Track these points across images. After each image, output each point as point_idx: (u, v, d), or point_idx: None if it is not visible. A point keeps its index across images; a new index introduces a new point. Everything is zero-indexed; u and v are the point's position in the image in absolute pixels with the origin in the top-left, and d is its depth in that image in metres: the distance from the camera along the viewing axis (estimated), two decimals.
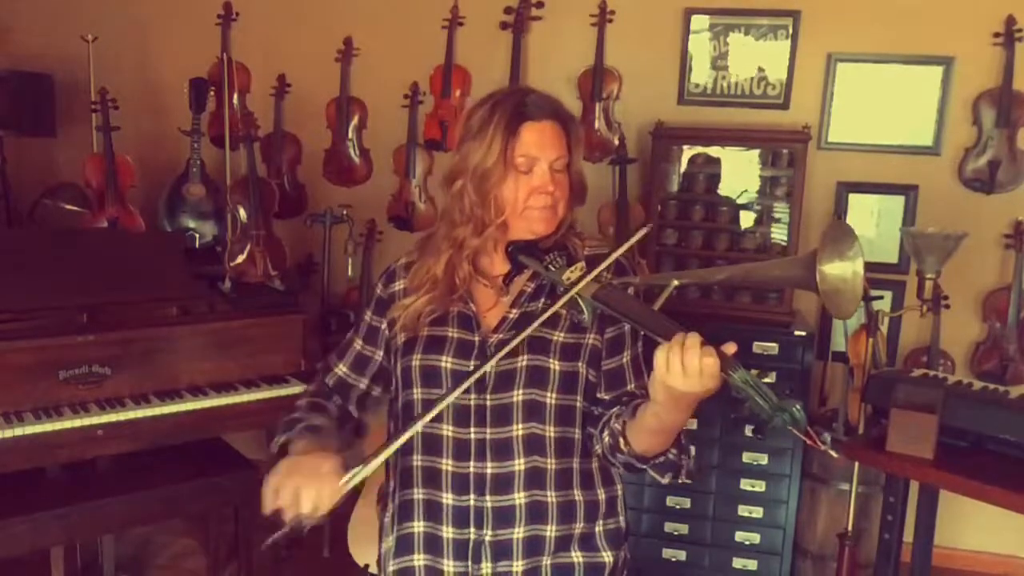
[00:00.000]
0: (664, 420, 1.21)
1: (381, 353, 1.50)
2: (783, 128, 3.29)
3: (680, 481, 1.35)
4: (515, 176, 1.35)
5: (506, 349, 1.28)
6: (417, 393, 1.42)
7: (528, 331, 1.28)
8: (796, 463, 3.01)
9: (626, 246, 1.31)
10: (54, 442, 2.25)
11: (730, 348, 1.10)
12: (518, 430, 1.37)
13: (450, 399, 1.28)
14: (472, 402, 1.38)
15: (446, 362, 1.40)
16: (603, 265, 1.28)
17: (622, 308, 1.23)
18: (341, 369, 1.55)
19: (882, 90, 3.32)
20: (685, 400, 1.15)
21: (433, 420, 1.40)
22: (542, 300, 1.42)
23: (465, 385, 1.28)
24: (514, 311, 1.42)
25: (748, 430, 2.99)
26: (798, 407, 1.04)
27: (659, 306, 1.21)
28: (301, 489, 1.21)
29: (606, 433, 1.34)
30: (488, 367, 1.30)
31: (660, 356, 1.12)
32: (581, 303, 1.25)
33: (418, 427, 1.29)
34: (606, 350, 1.41)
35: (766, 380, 1.09)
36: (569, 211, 1.43)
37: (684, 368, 1.09)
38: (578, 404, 1.40)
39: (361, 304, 3.60)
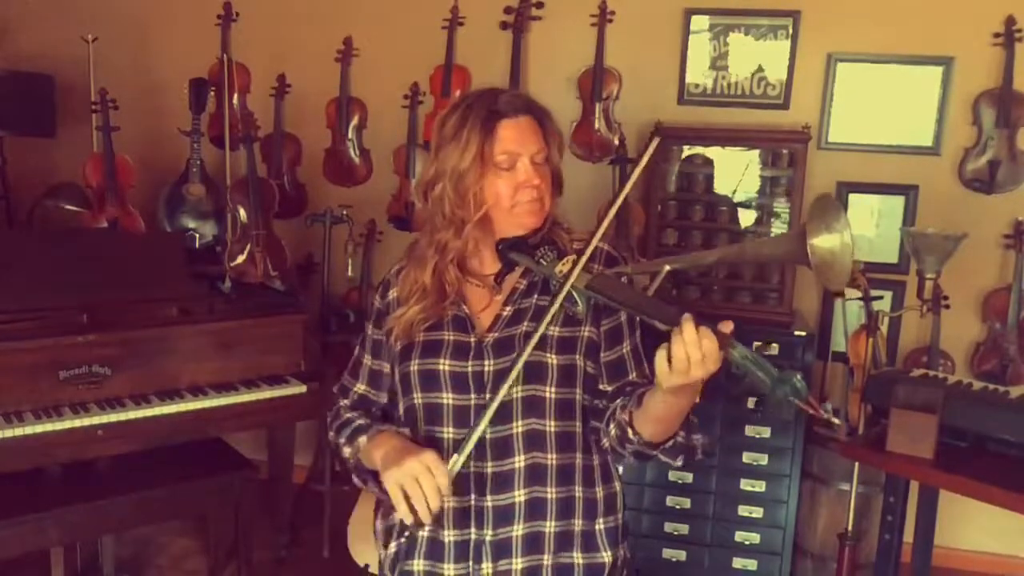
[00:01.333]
0: (672, 405, 1.22)
1: (388, 366, 1.50)
2: (783, 128, 3.29)
3: (697, 458, 1.36)
4: (498, 174, 1.36)
5: (532, 342, 1.28)
6: (418, 398, 1.42)
7: (539, 331, 1.28)
8: (796, 463, 3.01)
9: (609, 217, 1.32)
10: (54, 442, 2.25)
11: (727, 326, 1.12)
12: (518, 427, 1.37)
13: (504, 389, 1.28)
14: (472, 402, 1.38)
15: (444, 364, 1.40)
16: (593, 244, 1.28)
17: (617, 296, 1.23)
18: (360, 388, 1.55)
19: (882, 90, 3.32)
20: (691, 386, 1.16)
21: (434, 424, 1.41)
22: (535, 296, 1.42)
23: (512, 376, 1.28)
24: (508, 309, 1.42)
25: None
26: (799, 377, 1.05)
27: (652, 292, 1.21)
28: (425, 485, 1.23)
29: (612, 425, 1.34)
30: (521, 361, 1.29)
31: (661, 358, 1.13)
32: (575, 295, 1.26)
33: (499, 397, 1.28)
34: (605, 342, 1.41)
35: (768, 353, 1.10)
36: (554, 204, 1.44)
37: (688, 360, 1.10)
38: (577, 397, 1.40)
39: (361, 306, 3.60)
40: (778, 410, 1.07)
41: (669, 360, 1.12)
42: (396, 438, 1.38)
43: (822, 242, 1.13)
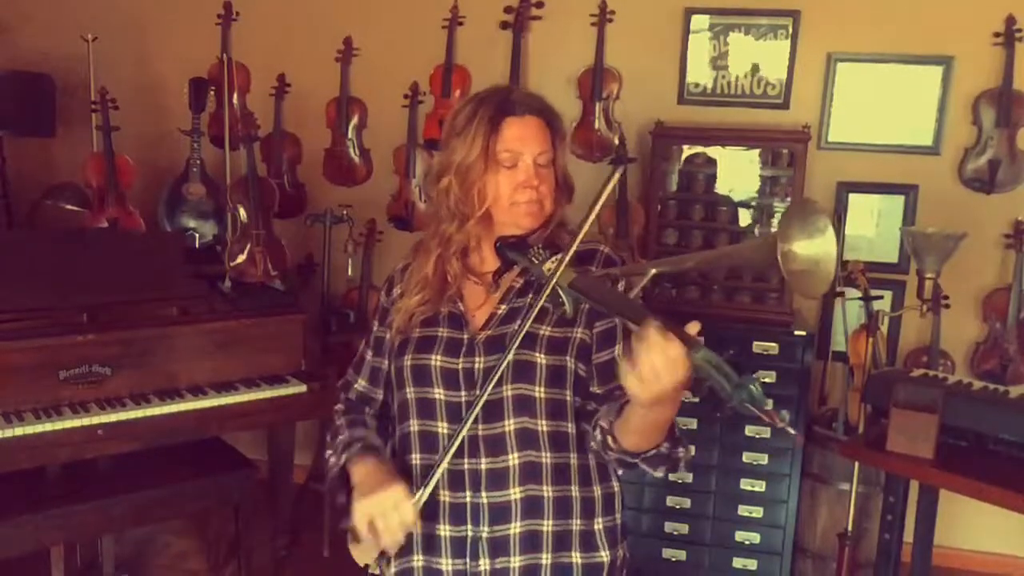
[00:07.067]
0: (649, 417, 1.20)
1: (386, 362, 1.51)
2: (783, 128, 3.29)
3: (678, 472, 1.35)
4: (499, 171, 1.37)
5: (515, 343, 1.30)
6: (410, 393, 1.43)
7: (523, 331, 1.30)
8: (796, 463, 3.01)
9: (593, 214, 1.30)
10: (54, 442, 2.25)
11: (693, 327, 1.09)
12: (509, 425, 1.37)
13: (482, 399, 1.31)
14: (463, 399, 1.39)
15: (436, 360, 1.41)
16: (576, 242, 1.28)
17: (595, 295, 1.23)
18: (361, 383, 1.56)
19: (882, 90, 3.32)
20: (666, 395, 1.11)
21: (427, 418, 1.42)
22: (530, 295, 1.42)
23: (494, 377, 1.31)
24: (503, 307, 1.43)
25: (746, 429, 2.99)
26: (756, 385, 1.04)
27: (635, 294, 1.21)
28: (388, 522, 1.31)
29: (597, 431, 1.34)
30: (504, 363, 1.31)
31: (623, 370, 1.10)
32: (561, 294, 1.26)
33: (465, 428, 1.33)
34: (596, 344, 1.41)
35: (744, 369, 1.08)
36: (558, 208, 1.43)
37: (654, 367, 1.07)
38: (568, 398, 1.40)
39: (361, 306, 3.60)
40: (737, 414, 1.06)
41: (633, 365, 1.08)
42: (374, 464, 1.41)
43: (798, 248, 1.08)
